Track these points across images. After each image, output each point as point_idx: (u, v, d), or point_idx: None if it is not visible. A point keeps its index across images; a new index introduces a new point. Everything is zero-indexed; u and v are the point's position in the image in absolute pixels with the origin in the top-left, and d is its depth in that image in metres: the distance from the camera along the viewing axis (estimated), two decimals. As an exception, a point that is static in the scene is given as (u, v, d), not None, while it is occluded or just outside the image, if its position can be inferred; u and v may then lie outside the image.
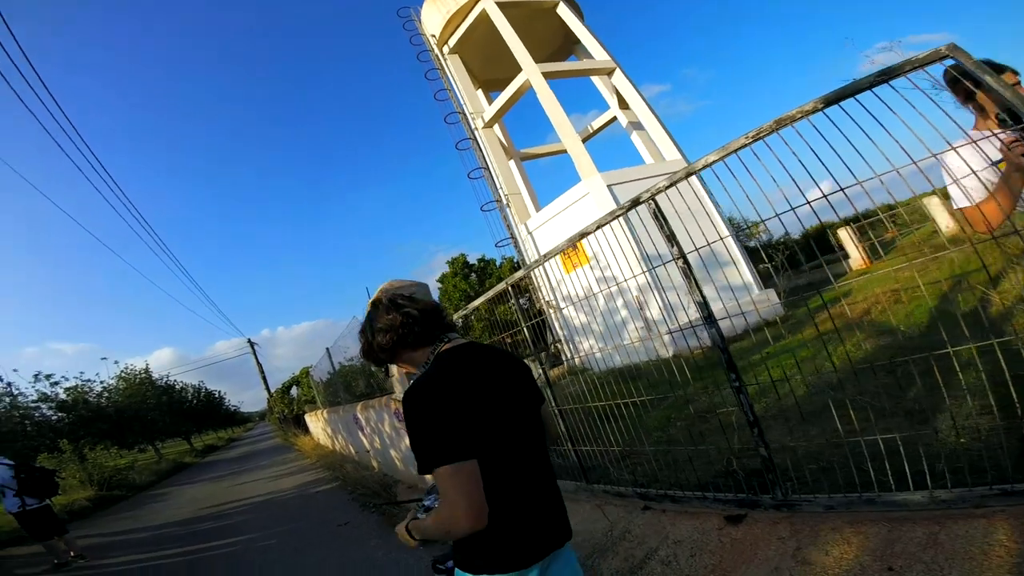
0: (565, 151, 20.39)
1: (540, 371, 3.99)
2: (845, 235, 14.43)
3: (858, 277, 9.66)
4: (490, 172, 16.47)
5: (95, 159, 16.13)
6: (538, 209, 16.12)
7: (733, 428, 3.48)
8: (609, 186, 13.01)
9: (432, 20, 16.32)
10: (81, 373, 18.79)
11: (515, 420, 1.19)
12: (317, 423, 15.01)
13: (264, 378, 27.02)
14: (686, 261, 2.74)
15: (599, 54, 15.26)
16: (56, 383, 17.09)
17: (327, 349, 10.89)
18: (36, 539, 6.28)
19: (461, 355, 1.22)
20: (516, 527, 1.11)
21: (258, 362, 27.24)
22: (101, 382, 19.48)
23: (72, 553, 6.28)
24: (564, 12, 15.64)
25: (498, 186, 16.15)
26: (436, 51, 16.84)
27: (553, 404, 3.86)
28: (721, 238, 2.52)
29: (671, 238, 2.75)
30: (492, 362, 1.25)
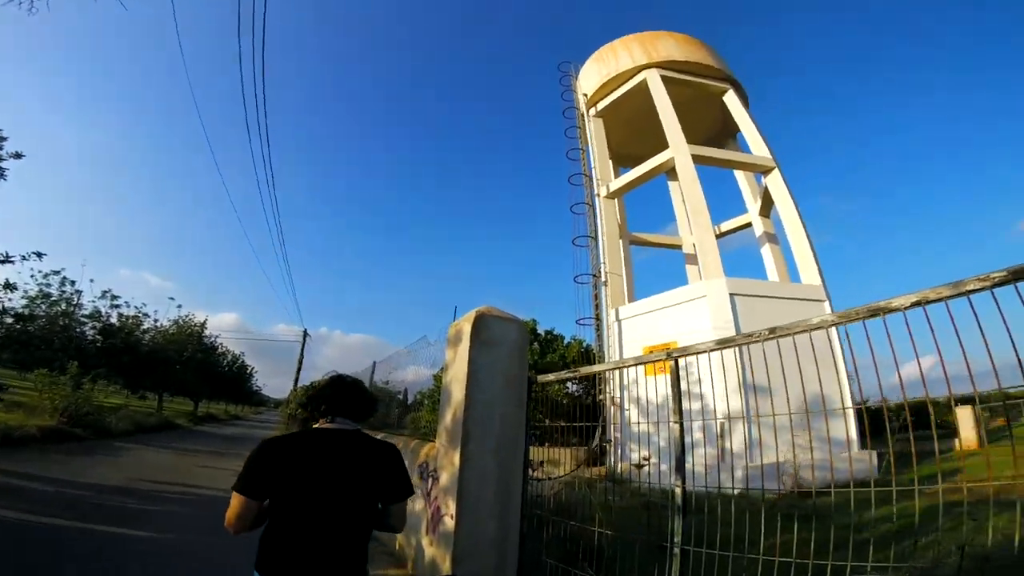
0: (679, 247, 19.13)
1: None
2: (962, 413, 13.86)
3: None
4: (597, 243, 15.06)
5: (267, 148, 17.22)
6: (631, 299, 14.13)
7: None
8: (732, 294, 10.91)
9: (589, 79, 16.21)
10: (143, 305, 18.79)
11: (324, 491, 1.48)
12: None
13: (299, 370, 26.44)
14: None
15: (759, 149, 13.82)
16: (117, 306, 17.16)
17: (374, 363, 9.53)
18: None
19: (313, 434, 1.60)
20: (281, 553, 1.46)
21: (302, 354, 26.91)
22: (155, 320, 19.51)
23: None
24: (731, 99, 14.73)
25: (601, 260, 14.66)
26: (583, 110, 16.50)
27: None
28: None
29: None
30: (331, 447, 1.56)
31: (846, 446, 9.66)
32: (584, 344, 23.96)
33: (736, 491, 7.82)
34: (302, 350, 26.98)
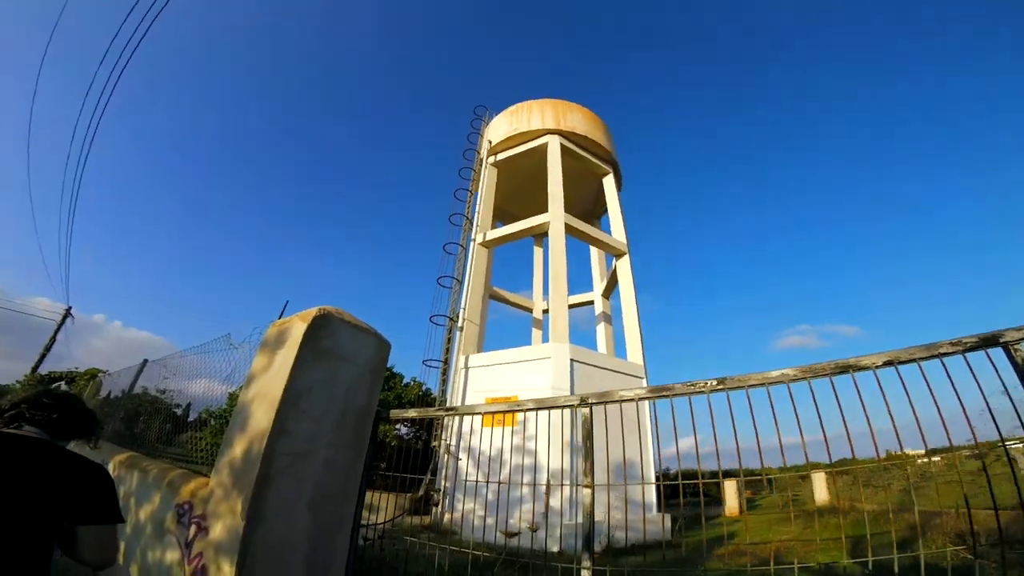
0: (530, 310, 20.10)
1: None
2: (730, 485, 15.61)
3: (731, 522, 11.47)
4: (462, 287, 14.83)
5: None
6: (480, 350, 14.11)
7: None
8: (572, 360, 11.59)
9: (498, 129, 16.70)
10: None
11: None
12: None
13: (43, 356, 19.70)
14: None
15: (619, 233, 15.39)
16: None
17: (144, 362, 7.28)
18: None
19: None
20: None
21: (54, 336, 20.16)
22: None
23: None
24: (608, 181, 16.32)
25: (462, 305, 14.34)
26: (483, 156, 16.68)
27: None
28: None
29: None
30: None
31: (646, 509, 10.76)
32: (424, 387, 22.95)
33: (556, 550, 8.00)
34: (56, 331, 20.28)
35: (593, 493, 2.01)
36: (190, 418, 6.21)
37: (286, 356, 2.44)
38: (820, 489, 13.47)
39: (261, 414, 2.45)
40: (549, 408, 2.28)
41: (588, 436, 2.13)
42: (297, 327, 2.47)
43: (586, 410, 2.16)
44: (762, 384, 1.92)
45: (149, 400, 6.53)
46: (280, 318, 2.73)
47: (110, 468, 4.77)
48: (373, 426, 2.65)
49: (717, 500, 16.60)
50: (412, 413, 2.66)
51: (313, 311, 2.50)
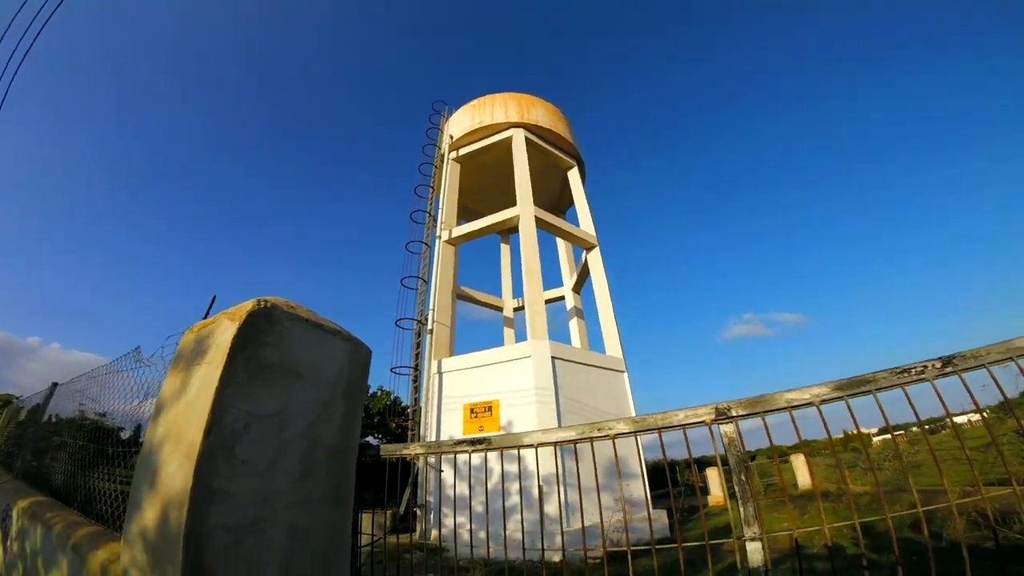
0: (500, 308, 19.28)
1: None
2: (713, 473, 15.44)
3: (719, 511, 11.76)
4: (428, 287, 13.81)
5: None
6: (451, 353, 13.15)
7: None
8: (554, 357, 10.90)
9: (459, 123, 15.78)
10: None
11: None
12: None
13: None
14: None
15: (587, 226, 14.84)
16: None
17: (53, 385, 5.94)
18: None
19: None
20: None
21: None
22: None
23: None
24: (574, 175, 15.83)
25: (430, 306, 13.33)
26: (444, 151, 15.71)
27: None
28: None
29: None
30: None
31: (637, 507, 10.22)
32: (392, 396, 21.55)
33: (556, 559, 7.26)
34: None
35: (765, 543, 1.24)
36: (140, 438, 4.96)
37: (207, 376, 1.51)
38: (802, 473, 13.37)
39: (174, 466, 1.51)
40: (659, 430, 1.47)
41: (740, 464, 1.35)
42: (223, 331, 1.53)
43: (729, 427, 1.38)
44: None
45: (86, 426, 5.25)
46: (205, 318, 1.78)
47: (12, 516, 3.65)
48: (358, 468, 1.75)
49: (700, 490, 16.53)
50: (417, 449, 1.77)
51: (248, 305, 1.56)
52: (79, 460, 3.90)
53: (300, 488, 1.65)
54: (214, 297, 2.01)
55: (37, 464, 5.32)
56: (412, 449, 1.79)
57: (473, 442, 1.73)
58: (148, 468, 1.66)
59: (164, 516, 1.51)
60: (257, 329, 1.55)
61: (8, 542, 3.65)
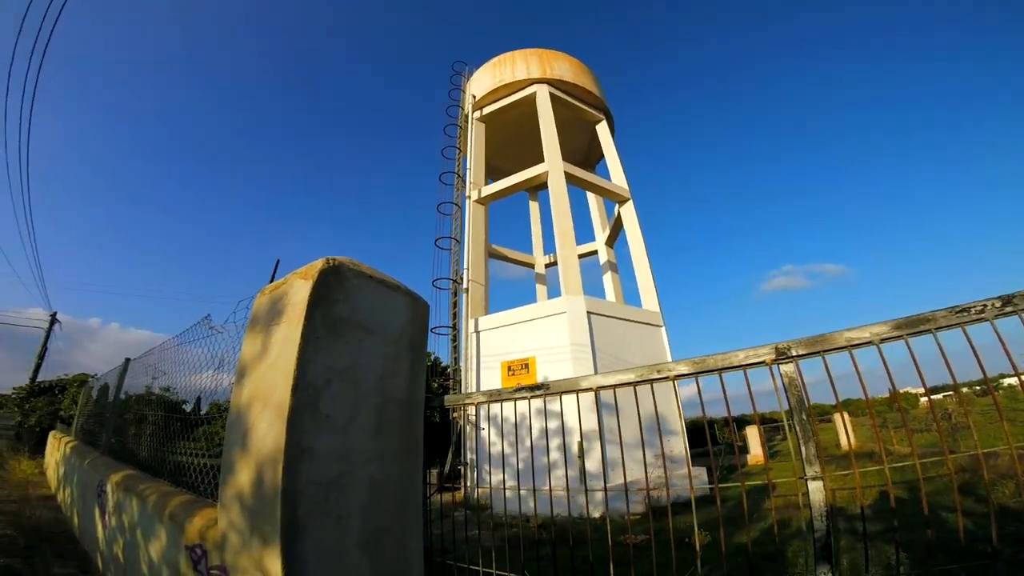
0: (532, 265, 19.21)
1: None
2: (753, 432, 15.30)
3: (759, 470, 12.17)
4: (461, 247, 13.93)
5: None
6: (486, 312, 13.30)
7: None
8: (589, 312, 10.86)
9: (481, 82, 15.33)
10: None
11: None
12: (55, 454, 8.94)
13: (38, 365, 18.73)
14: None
15: (619, 179, 14.40)
16: None
17: (126, 361, 6.33)
18: None
19: None
20: None
21: (45, 344, 19.10)
22: None
23: None
24: (602, 128, 15.25)
25: (464, 266, 13.47)
26: (467, 112, 15.35)
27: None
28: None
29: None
30: None
31: (678, 464, 10.29)
32: (433, 356, 22.26)
33: (597, 515, 7.59)
34: (45, 339, 19.20)
35: (827, 483, 1.29)
36: (202, 411, 5.33)
37: (288, 335, 1.62)
38: (842, 433, 13.27)
39: (265, 426, 1.63)
40: (720, 371, 1.50)
41: (799, 404, 1.38)
42: (298, 290, 1.63)
43: (789, 367, 1.39)
44: None
45: (154, 400, 5.65)
46: (272, 281, 1.89)
47: (108, 491, 3.93)
48: (424, 418, 1.88)
49: (740, 449, 16.76)
50: (479, 397, 1.86)
51: (318, 264, 1.65)
52: (161, 433, 4.13)
53: (376, 442, 1.76)
54: (278, 261, 2.15)
55: (120, 439, 5.72)
56: (474, 398, 1.90)
57: (532, 388, 1.81)
58: (238, 431, 1.78)
59: (259, 476, 1.62)
60: (328, 287, 1.64)
61: (107, 516, 3.81)
